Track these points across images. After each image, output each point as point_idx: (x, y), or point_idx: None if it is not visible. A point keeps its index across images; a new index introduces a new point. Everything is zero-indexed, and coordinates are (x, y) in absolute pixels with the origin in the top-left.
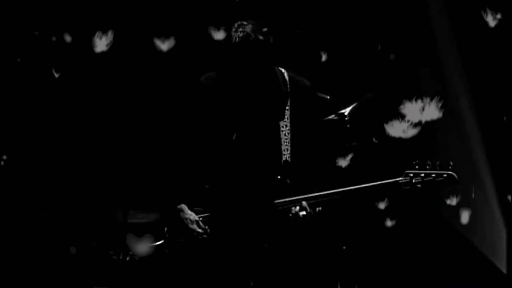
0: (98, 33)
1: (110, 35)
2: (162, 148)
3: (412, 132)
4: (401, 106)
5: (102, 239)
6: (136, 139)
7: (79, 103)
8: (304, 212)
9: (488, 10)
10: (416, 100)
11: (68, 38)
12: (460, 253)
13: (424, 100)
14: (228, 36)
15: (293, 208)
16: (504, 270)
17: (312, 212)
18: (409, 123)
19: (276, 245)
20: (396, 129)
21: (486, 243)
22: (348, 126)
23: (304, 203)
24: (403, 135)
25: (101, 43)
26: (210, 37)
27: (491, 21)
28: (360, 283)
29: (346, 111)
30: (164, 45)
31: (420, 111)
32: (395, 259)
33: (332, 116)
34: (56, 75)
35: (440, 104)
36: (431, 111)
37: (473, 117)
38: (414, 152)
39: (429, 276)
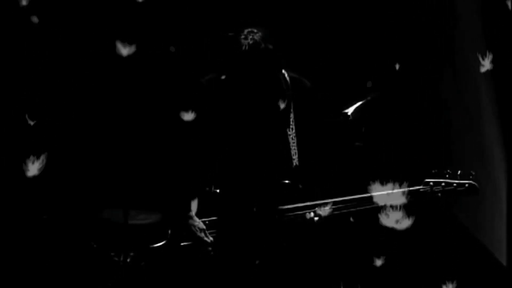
0: (31, 157)
1: (43, 159)
2: (166, 149)
3: (407, 223)
4: (369, 188)
5: (102, 240)
6: (137, 140)
7: (80, 103)
8: (318, 218)
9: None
10: (384, 184)
11: (35, 19)
12: (470, 254)
13: (393, 184)
14: (237, 44)
15: (307, 213)
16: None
17: (324, 218)
18: (403, 213)
19: (281, 249)
20: (390, 219)
21: (497, 245)
22: (351, 126)
23: (318, 209)
24: (397, 226)
25: (33, 167)
26: (211, 38)
27: (487, 65)
28: (364, 285)
29: (350, 111)
30: (125, 50)
31: (388, 196)
32: (398, 260)
33: (335, 117)
34: (31, 123)
35: (406, 191)
36: (397, 196)
37: (494, 117)
38: (429, 156)
39: (435, 277)
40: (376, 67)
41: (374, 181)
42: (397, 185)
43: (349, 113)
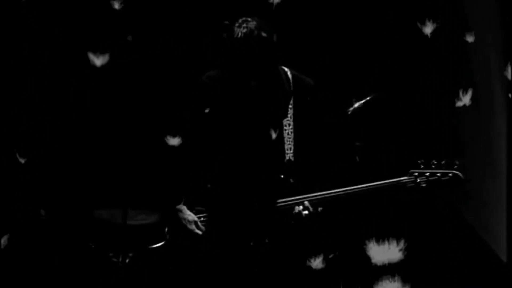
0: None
1: (5, 240)
2: (163, 147)
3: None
4: (365, 247)
5: (101, 241)
6: (137, 139)
7: (79, 103)
8: (306, 212)
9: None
10: (380, 242)
11: None
12: (473, 251)
13: (389, 241)
14: (231, 32)
15: (296, 207)
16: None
17: (314, 212)
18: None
19: (278, 246)
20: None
21: (501, 244)
22: (351, 125)
23: (306, 202)
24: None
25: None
26: (210, 37)
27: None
28: (364, 286)
29: (350, 110)
30: (98, 61)
31: (385, 252)
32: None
33: (335, 115)
34: (22, 161)
35: (403, 246)
36: (393, 252)
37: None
38: (435, 151)
39: (438, 276)
40: (378, 67)
41: (370, 240)
42: (393, 242)
43: (349, 112)
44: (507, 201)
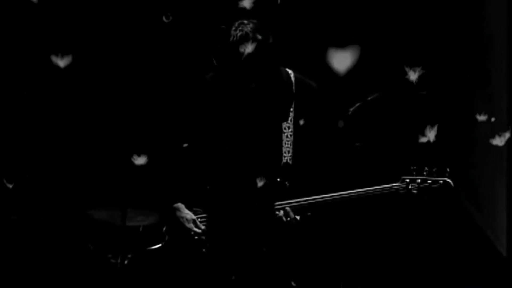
0: None
1: None
2: (162, 148)
3: None
4: None
5: (100, 242)
6: (136, 139)
7: (77, 103)
8: (288, 218)
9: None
10: None
11: None
12: (479, 254)
13: None
14: (228, 35)
15: (277, 212)
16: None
17: (297, 218)
18: None
19: (275, 248)
20: None
21: (502, 240)
22: (351, 126)
23: (287, 208)
24: None
25: None
26: (209, 37)
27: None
28: (364, 286)
29: (350, 110)
30: (62, 62)
31: None
32: (400, 260)
33: (335, 116)
34: (10, 186)
35: None
36: None
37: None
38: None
39: (438, 276)
40: (378, 67)
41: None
42: None
43: (349, 113)
44: (507, 200)
